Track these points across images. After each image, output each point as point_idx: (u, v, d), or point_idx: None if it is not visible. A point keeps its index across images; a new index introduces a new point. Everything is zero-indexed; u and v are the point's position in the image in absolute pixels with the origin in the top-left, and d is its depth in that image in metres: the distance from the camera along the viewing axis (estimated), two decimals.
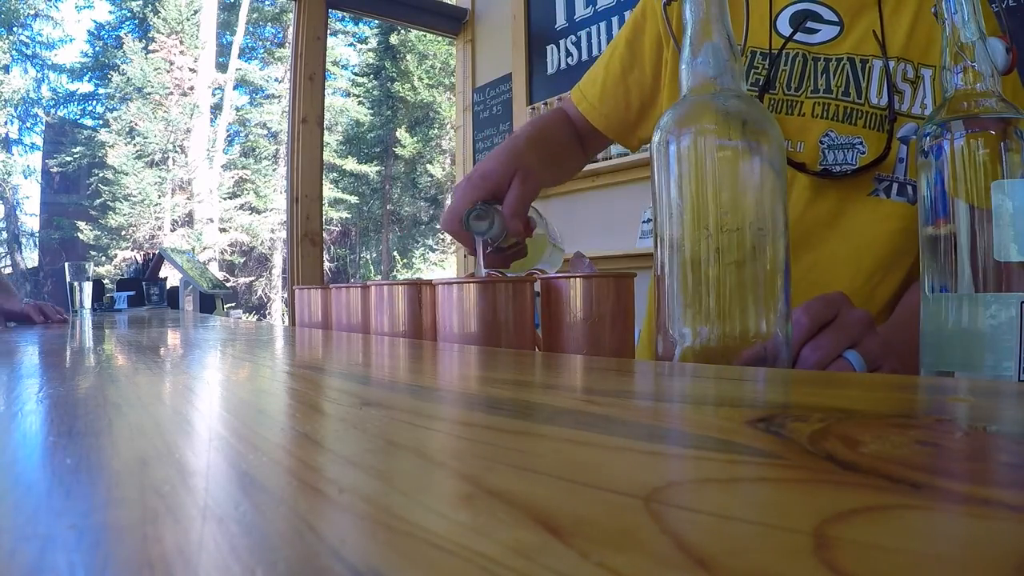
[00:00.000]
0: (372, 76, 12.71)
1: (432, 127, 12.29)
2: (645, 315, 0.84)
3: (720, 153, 0.39)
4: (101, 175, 10.93)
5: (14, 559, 0.10)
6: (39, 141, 11.65)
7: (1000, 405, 0.22)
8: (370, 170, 12.49)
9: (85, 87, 11.84)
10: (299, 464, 0.16)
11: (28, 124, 11.61)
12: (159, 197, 11.04)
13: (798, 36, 0.70)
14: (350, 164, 12.30)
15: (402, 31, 11.52)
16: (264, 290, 11.97)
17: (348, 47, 13.09)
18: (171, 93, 11.27)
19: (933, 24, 0.67)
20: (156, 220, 11.02)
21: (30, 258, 11.46)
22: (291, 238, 3.02)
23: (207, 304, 2.35)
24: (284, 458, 0.16)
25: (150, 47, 11.18)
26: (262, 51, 12.79)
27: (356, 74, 12.97)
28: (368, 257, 13.13)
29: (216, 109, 11.95)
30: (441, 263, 12.18)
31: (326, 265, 5.75)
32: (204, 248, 11.01)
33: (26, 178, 11.53)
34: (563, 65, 3.09)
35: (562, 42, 3.08)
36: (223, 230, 11.67)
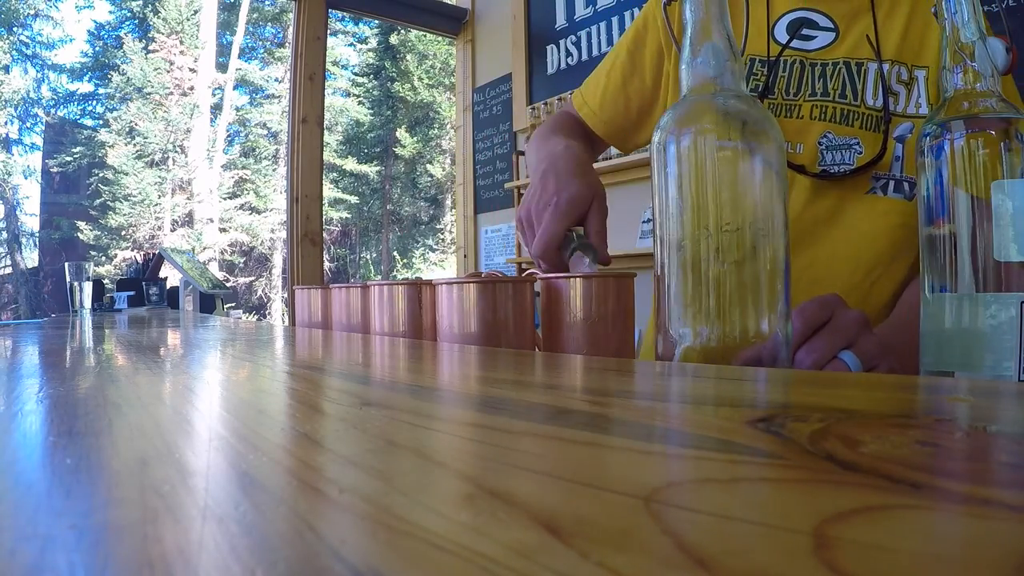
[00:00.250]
0: (372, 76, 12.72)
1: (432, 127, 12.29)
2: (650, 316, 0.84)
3: (720, 153, 0.39)
4: (101, 175, 10.94)
5: (14, 559, 0.10)
6: (39, 141, 11.67)
7: (1000, 405, 0.21)
8: (370, 170, 12.49)
9: (85, 87, 11.87)
10: (299, 464, 0.16)
11: (28, 124, 11.63)
12: (159, 197, 11.04)
13: (795, 43, 0.71)
14: (350, 164, 12.30)
15: (402, 31, 11.52)
16: (264, 290, 11.97)
17: (348, 47, 13.10)
18: (171, 93, 11.27)
19: (926, 26, 0.67)
20: (156, 220, 11.02)
21: (30, 258, 11.46)
22: (291, 238, 3.02)
23: (207, 304, 2.35)
24: (284, 458, 0.16)
25: (150, 47, 11.19)
26: (262, 51, 12.80)
27: (356, 74, 12.97)
28: (368, 257, 13.13)
29: (216, 109, 11.96)
30: (441, 263, 12.18)
31: (326, 265, 5.76)
32: (204, 248, 11.02)
33: (26, 178, 11.54)
34: (563, 65, 3.09)
35: (562, 42, 3.08)
36: (223, 230, 11.68)
